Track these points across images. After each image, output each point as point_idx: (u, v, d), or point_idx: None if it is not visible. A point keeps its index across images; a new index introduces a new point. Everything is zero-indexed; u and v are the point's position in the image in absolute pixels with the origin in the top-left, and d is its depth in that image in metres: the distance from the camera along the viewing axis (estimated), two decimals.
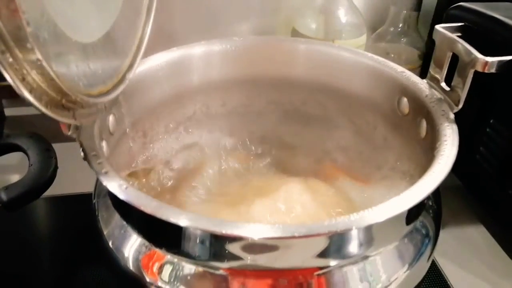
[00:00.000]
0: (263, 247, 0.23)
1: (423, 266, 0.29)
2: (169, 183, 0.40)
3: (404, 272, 0.27)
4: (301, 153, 0.44)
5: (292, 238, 0.20)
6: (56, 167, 0.40)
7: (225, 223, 0.21)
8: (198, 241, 0.23)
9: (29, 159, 0.40)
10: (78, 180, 0.41)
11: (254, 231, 0.21)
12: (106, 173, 0.24)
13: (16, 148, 0.42)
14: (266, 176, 0.42)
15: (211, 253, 0.23)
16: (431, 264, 0.31)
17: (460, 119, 0.31)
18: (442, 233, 0.31)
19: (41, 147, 0.42)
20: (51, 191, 0.37)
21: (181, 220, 0.21)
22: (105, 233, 0.28)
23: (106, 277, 0.31)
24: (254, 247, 0.23)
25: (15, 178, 0.51)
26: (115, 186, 0.23)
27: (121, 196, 0.22)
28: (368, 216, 0.22)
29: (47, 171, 0.39)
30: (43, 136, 0.43)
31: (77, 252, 0.44)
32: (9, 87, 0.27)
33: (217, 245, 0.23)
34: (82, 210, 0.32)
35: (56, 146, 0.39)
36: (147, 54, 0.38)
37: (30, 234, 0.47)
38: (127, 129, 0.37)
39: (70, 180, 0.45)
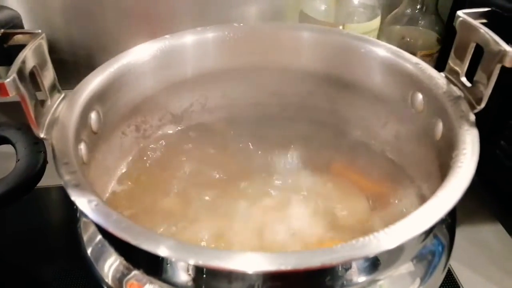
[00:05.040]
0: (249, 278, 0.20)
1: (437, 279, 0.27)
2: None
3: None
4: (305, 147, 0.41)
5: (279, 273, 0.17)
6: (45, 162, 0.38)
7: (209, 253, 0.18)
8: (179, 269, 0.20)
9: (16, 154, 0.38)
10: None
11: (238, 263, 0.18)
12: (77, 186, 0.21)
13: (4, 140, 0.40)
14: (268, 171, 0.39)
15: (194, 283, 0.20)
16: None
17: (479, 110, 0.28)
18: (455, 235, 0.29)
19: (29, 141, 0.39)
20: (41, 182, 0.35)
21: (160, 249, 0.18)
22: (84, 240, 0.26)
23: None
24: (241, 279, 0.20)
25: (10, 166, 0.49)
26: (84, 202, 0.20)
27: (90, 214, 0.20)
28: (375, 242, 0.19)
29: (34, 167, 0.37)
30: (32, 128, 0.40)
31: (68, 245, 0.42)
32: None
33: (201, 275, 0.20)
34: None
35: None
36: (135, 42, 0.35)
37: (20, 226, 0.46)
38: (116, 125, 0.35)
39: None
